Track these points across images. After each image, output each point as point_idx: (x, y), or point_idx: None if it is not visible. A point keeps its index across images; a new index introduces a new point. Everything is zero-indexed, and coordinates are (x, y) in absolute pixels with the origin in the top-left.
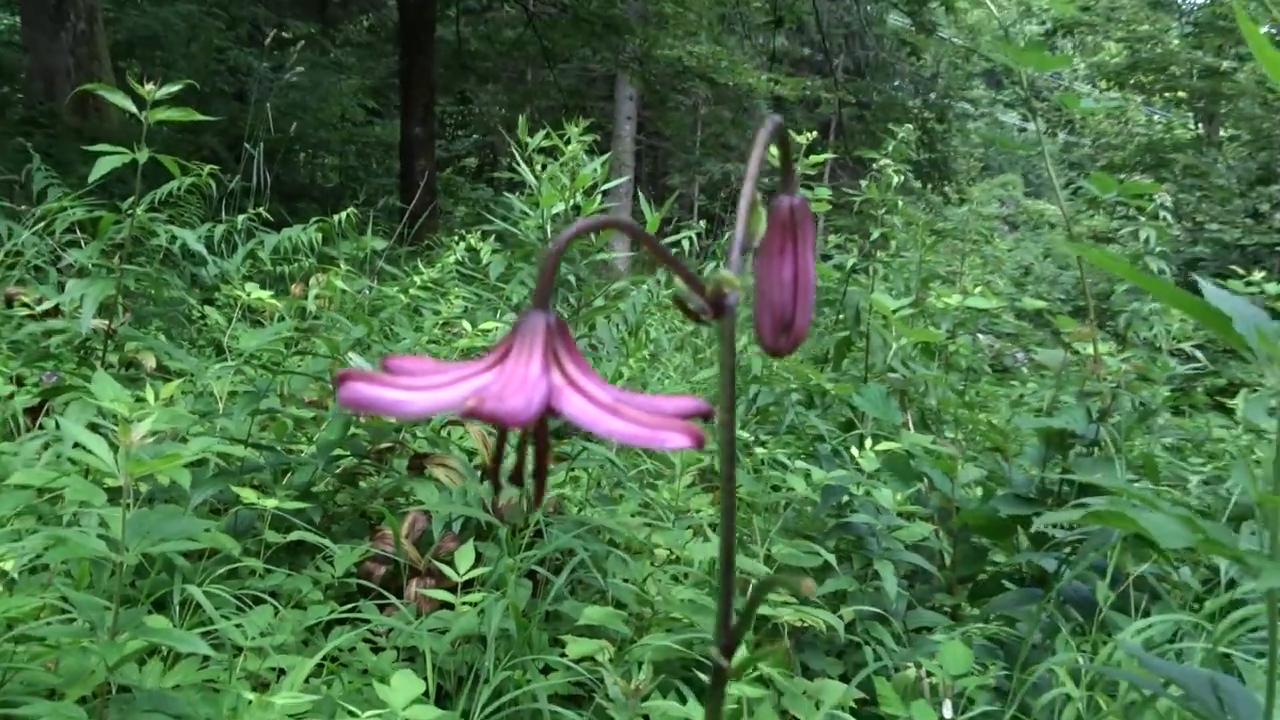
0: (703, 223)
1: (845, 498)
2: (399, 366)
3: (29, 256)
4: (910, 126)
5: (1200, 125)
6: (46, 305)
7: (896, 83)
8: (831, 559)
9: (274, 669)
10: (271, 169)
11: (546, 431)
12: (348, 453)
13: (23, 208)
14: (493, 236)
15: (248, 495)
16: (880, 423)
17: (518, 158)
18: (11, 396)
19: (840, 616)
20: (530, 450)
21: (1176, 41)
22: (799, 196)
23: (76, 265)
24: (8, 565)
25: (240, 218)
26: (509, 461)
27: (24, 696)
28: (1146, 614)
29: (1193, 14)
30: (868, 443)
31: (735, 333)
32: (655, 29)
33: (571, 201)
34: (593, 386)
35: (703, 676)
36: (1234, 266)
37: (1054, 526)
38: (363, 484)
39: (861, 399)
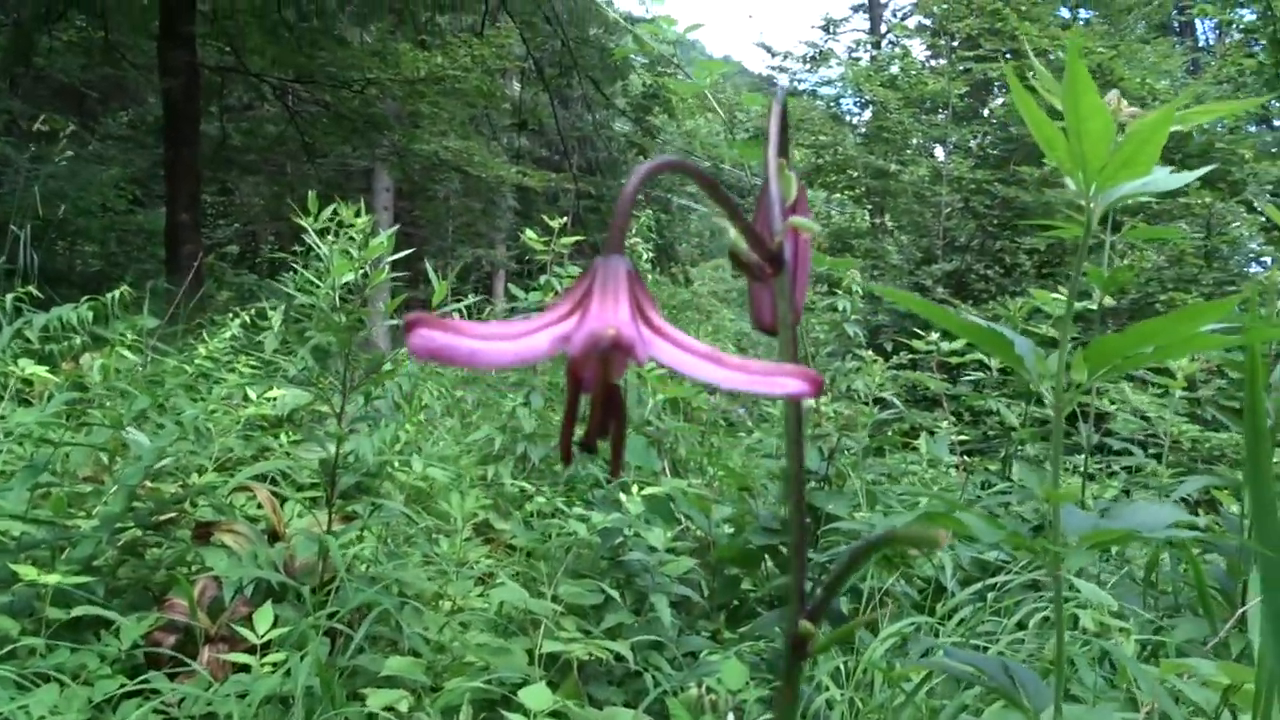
0: (473, 295)
1: (620, 539)
2: (450, 324)
3: None
4: (650, 212)
5: (875, 217)
6: None
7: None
8: (615, 594)
9: None
10: (37, 253)
11: (620, 396)
12: (131, 524)
13: None
14: (281, 308)
15: (28, 572)
16: (643, 469)
17: (311, 233)
18: None
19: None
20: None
21: (853, 149)
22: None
23: None
24: None
25: (9, 297)
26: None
27: None
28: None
29: (863, 127)
30: (634, 488)
31: (791, 291)
32: (412, 127)
33: (361, 270)
34: (681, 335)
35: (505, 714)
36: (915, 330)
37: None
38: (146, 555)
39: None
